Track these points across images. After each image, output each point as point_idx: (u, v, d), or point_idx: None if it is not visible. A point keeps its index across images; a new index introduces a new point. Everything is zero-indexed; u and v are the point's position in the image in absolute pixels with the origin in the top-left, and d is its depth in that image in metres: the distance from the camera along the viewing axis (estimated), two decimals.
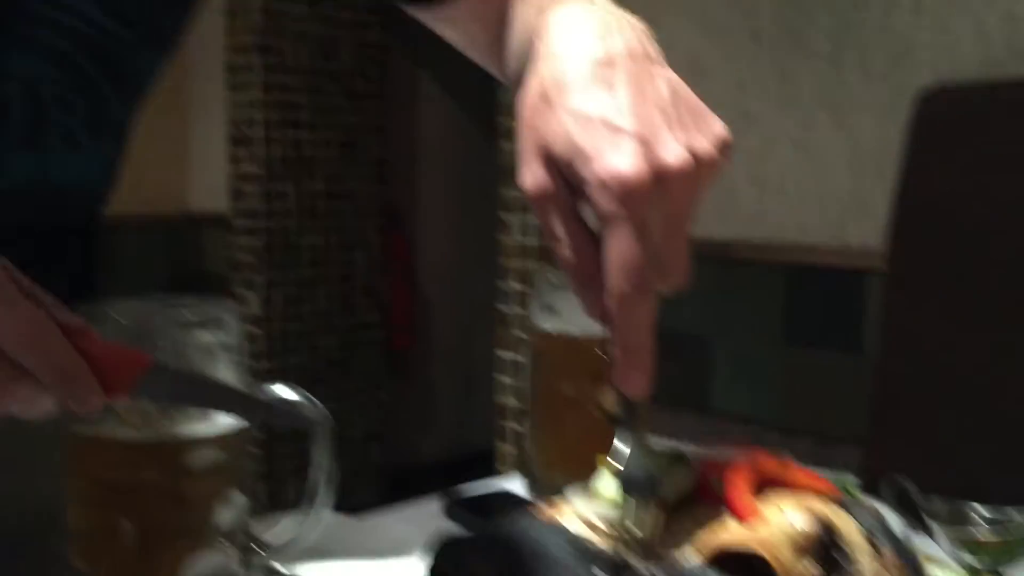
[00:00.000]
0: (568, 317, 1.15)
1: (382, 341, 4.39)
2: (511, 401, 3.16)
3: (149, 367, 0.60)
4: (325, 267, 4.13)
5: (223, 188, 4.00)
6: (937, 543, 1.00)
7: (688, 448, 0.68)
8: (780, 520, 0.62)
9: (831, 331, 2.35)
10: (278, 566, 0.98)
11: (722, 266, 2.49)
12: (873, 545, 0.64)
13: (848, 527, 0.64)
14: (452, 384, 4.72)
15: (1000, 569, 0.94)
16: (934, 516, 1.01)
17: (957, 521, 0.99)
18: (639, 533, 0.62)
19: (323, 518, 0.94)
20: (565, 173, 0.61)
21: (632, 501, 0.62)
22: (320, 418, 0.90)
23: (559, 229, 0.63)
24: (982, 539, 0.95)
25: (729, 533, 0.61)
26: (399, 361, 4.52)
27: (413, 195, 4.60)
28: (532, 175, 0.62)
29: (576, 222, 0.63)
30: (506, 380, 3.17)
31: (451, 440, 4.67)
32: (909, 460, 1.29)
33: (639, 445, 0.64)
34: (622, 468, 0.63)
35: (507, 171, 3.15)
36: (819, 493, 0.66)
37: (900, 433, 1.85)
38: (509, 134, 3.12)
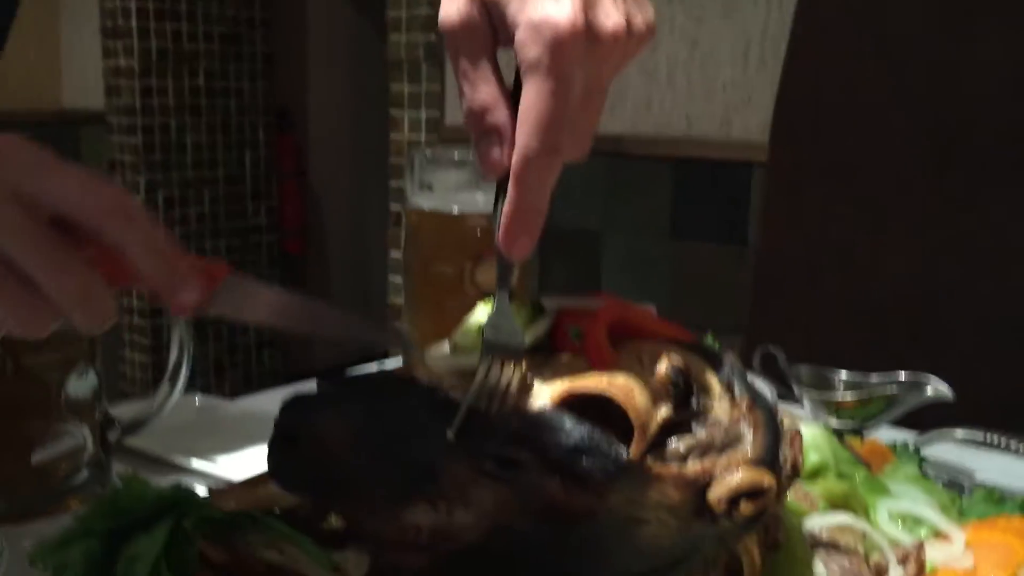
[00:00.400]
0: (443, 195, 1.12)
1: (274, 245, 4.29)
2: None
3: (225, 279, 0.58)
4: (210, 168, 3.98)
5: (98, 84, 3.79)
6: (802, 407, 1.03)
7: (548, 299, 0.67)
8: (636, 367, 0.61)
9: (717, 224, 2.39)
10: (136, 444, 0.95)
11: (611, 160, 2.48)
12: (730, 392, 0.64)
13: (703, 372, 0.63)
14: (347, 288, 4.66)
15: (859, 428, 0.97)
16: (800, 382, 1.04)
17: (821, 387, 1.02)
18: (495, 386, 0.60)
19: (176, 398, 0.90)
20: (493, 14, 0.58)
21: (494, 362, 0.60)
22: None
23: (471, 71, 0.60)
24: (842, 401, 0.98)
25: (584, 380, 0.60)
26: (292, 266, 4.44)
27: (302, 92, 4.44)
28: (456, 6, 0.58)
29: (491, 65, 0.60)
30: (399, 281, 3.14)
31: (346, 345, 4.63)
32: (786, 344, 1.33)
33: (508, 312, 0.62)
34: (489, 333, 0.62)
35: (397, 65, 3.05)
36: (677, 342, 0.65)
37: (778, 319, 1.90)
38: (399, 26, 3.01)
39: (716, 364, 0.65)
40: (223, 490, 0.67)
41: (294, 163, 4.41)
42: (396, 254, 3.13)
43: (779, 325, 1.92)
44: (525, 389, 0.61)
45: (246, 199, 4.17)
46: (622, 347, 0.64)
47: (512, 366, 0.61)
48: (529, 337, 0.63)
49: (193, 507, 0.64)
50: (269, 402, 1.17)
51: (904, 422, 1.03)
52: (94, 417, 0.89)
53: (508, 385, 0.60)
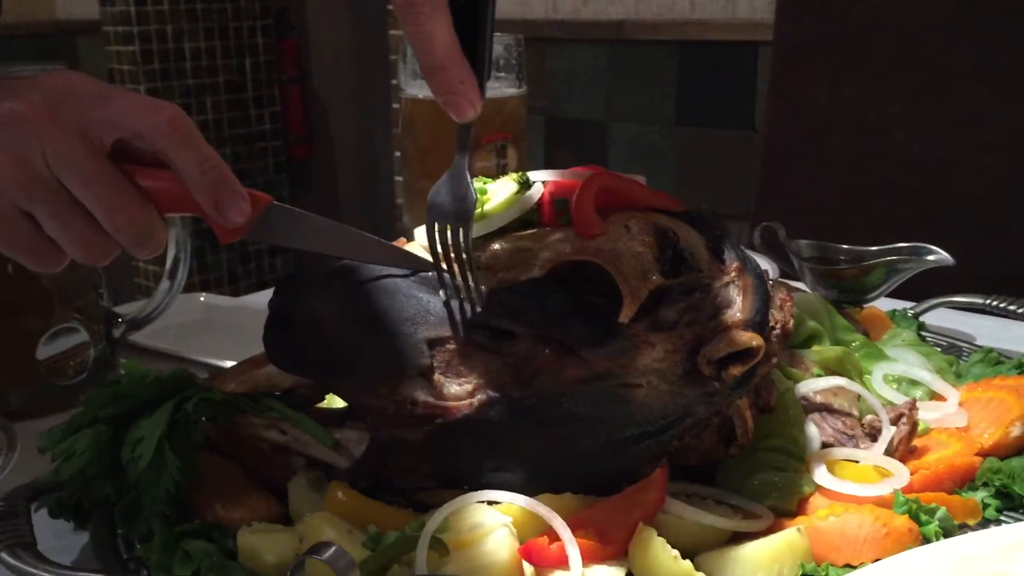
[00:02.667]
0: None
1: (279, 151, 4.26)
2: None
3: (269, 206, 0.59)
4: (210, 75, 3.92)
5: None
6: (803, 280, 1.03)
7: (536, 173, 0.66)
8: (623, 235, 0.61)
9: (723, 109, 2.35)
10: (143, 341, 0.96)
11: (614, 47, 2.43)
12: (719, 258, 0.64)
13: (692, 239, 0.63)
14: (354, 191, 4.65)
15: (859, 299, 0.97)
16: (800, 256, 1.03)
17: (821, 260, 1.02)
18: (466, 255, 0.60)
19: (176, 294, 0.91)
20: None
21: (439, 224, 0.60)
22: None
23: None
24: (843, 271, 0.98)
25: (572, 249, 0.60)
26: (298, 171, 4.41)
27: None
28: None
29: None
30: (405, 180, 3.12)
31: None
32: (792, 226, 1.32)
33: (462, 176, 0.61)
34: (433, 195, 0.62)
35: None
36: (665, 209, 0.65)
37: (785, 201, 1.89)
38: None
39: (706, 231, 0.65)
40: (223, 374, 0.68)
41: (296, 67, 4.34)
42: (399, 153, 3.09)
43: (786, 207, 1.90)
44: (516, 260, 0.61)
45: (249, 106, 4.13)
46: (610, 217, 0.63)
47: (457, 228, 0.60)
48: (517, 211, 0.63)
49: (194, 390, 0.65)
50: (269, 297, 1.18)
51: (907, 296, 1.03)
52: (98, 314, 0.90)
53: (453, 246, 0.60)
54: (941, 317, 1.00)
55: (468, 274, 0.59)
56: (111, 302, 0.93)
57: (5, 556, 0.55)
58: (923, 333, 0.91)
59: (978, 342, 0.94)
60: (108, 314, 0.91)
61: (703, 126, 2.39)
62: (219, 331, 1.01)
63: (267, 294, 1.18)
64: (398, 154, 3.28)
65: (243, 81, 4.11)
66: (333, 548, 0.45)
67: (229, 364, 0.93)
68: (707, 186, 2.38)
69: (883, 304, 0.98)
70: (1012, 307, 0.92)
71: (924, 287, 1.03)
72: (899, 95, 1.73)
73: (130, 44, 3.69)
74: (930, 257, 0.96)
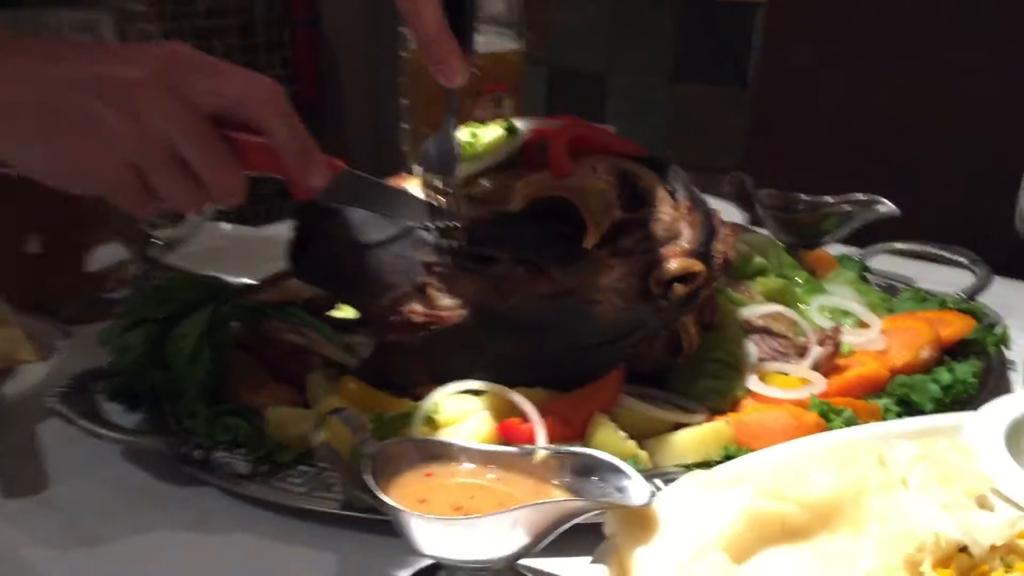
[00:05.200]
0: None
1: (291, 96, 4.34)
2: None
3: (342, 171, 0.66)
4: (222, 17, 4.00)
5: None
6: (766, 226, 1.14)
7: (520, 121, 0.77)
8: (590, 175, 0.73)
9: (719, 66, 2.44)
10: (174, 262, 1.08)
11: (618, 2, 2.51)
12: (672, 196, 0.75)
13: (651, 180, 0.75)
14: (363, 137, 4.73)
15: (812, 243, 1.08)
16: (763, 204, 1.15)
17: (781, 208, 1.13)
18: (459, 192, 0.70)
19: (207, 219, 1.02)
20: None
21: (428, 171, 0.70)
22: None
23: None
24: (800, 218, 1.09)
25: (546, 186, 0.72)
26: (309, 115, 4.49)
27: None
28: None
29: None
30: (408, 128, 3.21)
31: None
32: (778, 180, 1.42)
33: (449, 136, 0.71)
34: (424, 150, 0.71)
35: None
36: (629, 155, 0.76)
37: (772, 156, 1.99)
38: None
39: (663, 173, 0.76)
40: (253, 285, 0.80)
41: (307, 10, 4.40)
42: (406, 101, 3.18)
43: (773, 162, 2.01)
44: (498, 196, 0.72)
45: (259, 49, 4.20)
46: (578, 160, 0.75)
47: (461, 183, 0.70)
48: (503, 153, 0.74)
49: (229, 296, 0.77)
50: (288, 230, 1.30)
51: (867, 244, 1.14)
52: (136, 236, 1.02)
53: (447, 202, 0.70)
54: (887, 262, 1.12)
55: (454, 211, 0.70)
56: (147, 226, 1.04)
57: (81, 421, 0.67)
58: (866, 275, 1.02)
59: (918, 285, 1.06)
60: (145, 236, 1.03)
61: (699, 82, 2.48)
62: (243, 255, 1.13)
63: (284, 225, 1.30)
64: (403, 101, 3.38)
65: (254, 23, 4.17)
66: (347, 410, 0.58)
67: (249, 283, 1.05)
68: (700, 139, 2.49)
69: (834, 249, 1.09)
70: (944, 253, 1.04)
71: (895, 237, 1.13)
72: (880, 58, 1.83)
73: None
74: (879, 208, 1.07)
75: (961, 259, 1.05)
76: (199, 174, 0.63)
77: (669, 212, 0.74)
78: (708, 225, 0.74)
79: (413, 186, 0.76)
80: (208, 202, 0.65)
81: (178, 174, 0.63)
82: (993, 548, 0.51)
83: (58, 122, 0.61)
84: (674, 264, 0.70)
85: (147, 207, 0.65)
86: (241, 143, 0.64)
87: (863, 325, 0.87)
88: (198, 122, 0.62)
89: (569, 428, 0.68)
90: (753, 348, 0.80)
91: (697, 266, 0.70)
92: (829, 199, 1.09)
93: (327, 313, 0.81)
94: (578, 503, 0.52)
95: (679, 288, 0.70)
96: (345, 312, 0.82)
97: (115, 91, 0.61)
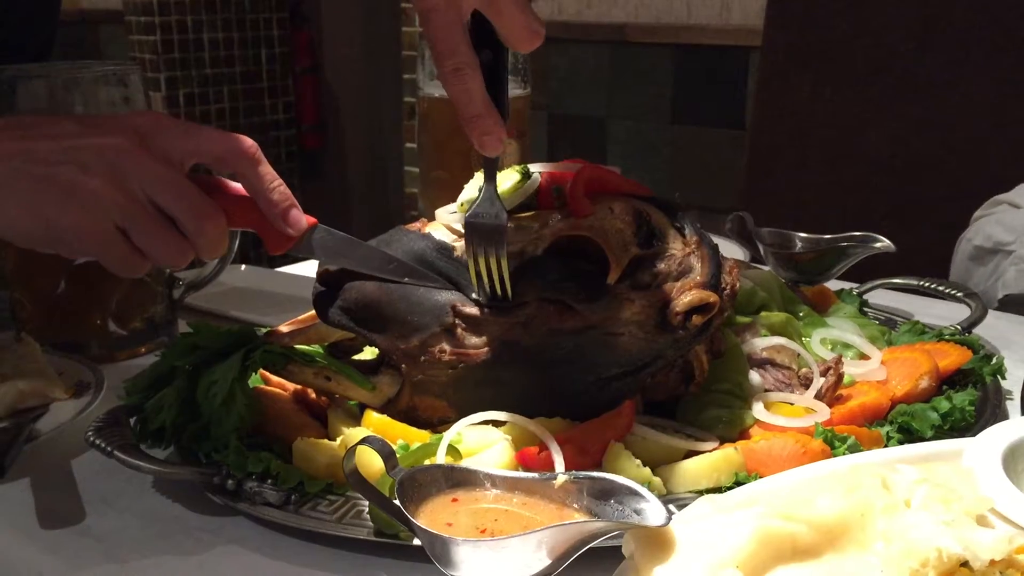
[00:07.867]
0: None
1: (292, 140, 4.41)
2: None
3: (315, 227, 0.72)
4: (227, 65, 4.08)
5: None
6: (767, 263, 1.18)
7: (535, 165, 0.81)
8: (608, 216, 0.76)
9: (715, 109, 2.50)
10: (196, 303, 1.12)
11: (615, 48, 2.58)
12: (681, 233, 0.79)
13: (660, 219, 0.78)
14: (362, 179, 4.79)
15: (812, 280, 1.12)
16: (764, 242, 1.19)
17: (781, 246, 1.17)
18: (499, 266, 0.72)
19: (227, 265, 1.06)
20: None
21: (477, 244, 0.72)
22: None
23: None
24: (799, 255, 1.13)
25: (569, 227, 0.75)
26: (310, 160, 4.55)
27: None
28: None
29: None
30: (414, 171, 3.27)
31: (363, 235, 4.76)
32: (777, 220, 1.46)
33: (494, 199, 0.74)
34: (470, 217, 0.74)
35: None
36: (639, 196, 0.80)
37: (770, 196, 2.04)
38: None
39: (670, 212, 0.80)
40: (278, 330, 0.83)
41: (310, 59, 4.48)
42: (411, 145, 3.24)
43: (770, 202, 2.05)
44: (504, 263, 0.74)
45: (263, 95, 4.27)
46: (595, 201, 0.79)
47: (493, 246, 0.73)
48: (520, 197, 0.78)
49: (258, 343, 0.80)
50: (302, 269, 1.34)
51: (863, 280, 1.17)
52: (160, 278, 1.06)
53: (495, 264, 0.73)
54: (885, 297, 1.16)
55: (506, 281, 0.73)
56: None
57: (118, 454, 0.70)
58: (865, 309, 1.06)
59: (917, 319, 1.09)
60: (169, 278, 1.07)
61: (697, 125, 2.54)
62: (260, 296, 1.17)
63: (298, 266, 1.34)
64: (408, 145, 3.44)
65: (258, 71, 4.25)
66: (377, 439, 0.61)
67: (267, 320, 1.09)
68: (699, 180, 2.54)
69: (834, 285, 1.13)
70: (940, 287, 1.08)
71: (892, 272, 1.17)
72: (873, 100, 1.89)
73: (151, 34, 3.84)
74: (876, 244, 1.12)
75: (957, 293, 1.08)
76: (183, 224, 0.67)
77: (680, 248, 0.78)
78: (716, 258, 0.77)
79: (437, 231, 0.79)
80: (191, 255, 0.69)
81: (162, 230, 0.67)
82: (993, 562, 0.54)
83: (47, 194, 0.66)
84: (690, 296, 0.73)
85: (137, 268, 0.69)
86: (221, 198, 0.69)
87: (864, 357, 0.91)
88: (179, 177, 0.67)
89: (586, 456, 0.71)
90: (758, 379, 0.83)
91: (712, 297, 0.74)
92: (826, 237, 1.14)
93: (351, 356, 0.84)
94: (599, 523, 0.55)
95: (696, 318, 0.73)
96: (368, 354, 0.85)
97: (98, 159, 0.65)
